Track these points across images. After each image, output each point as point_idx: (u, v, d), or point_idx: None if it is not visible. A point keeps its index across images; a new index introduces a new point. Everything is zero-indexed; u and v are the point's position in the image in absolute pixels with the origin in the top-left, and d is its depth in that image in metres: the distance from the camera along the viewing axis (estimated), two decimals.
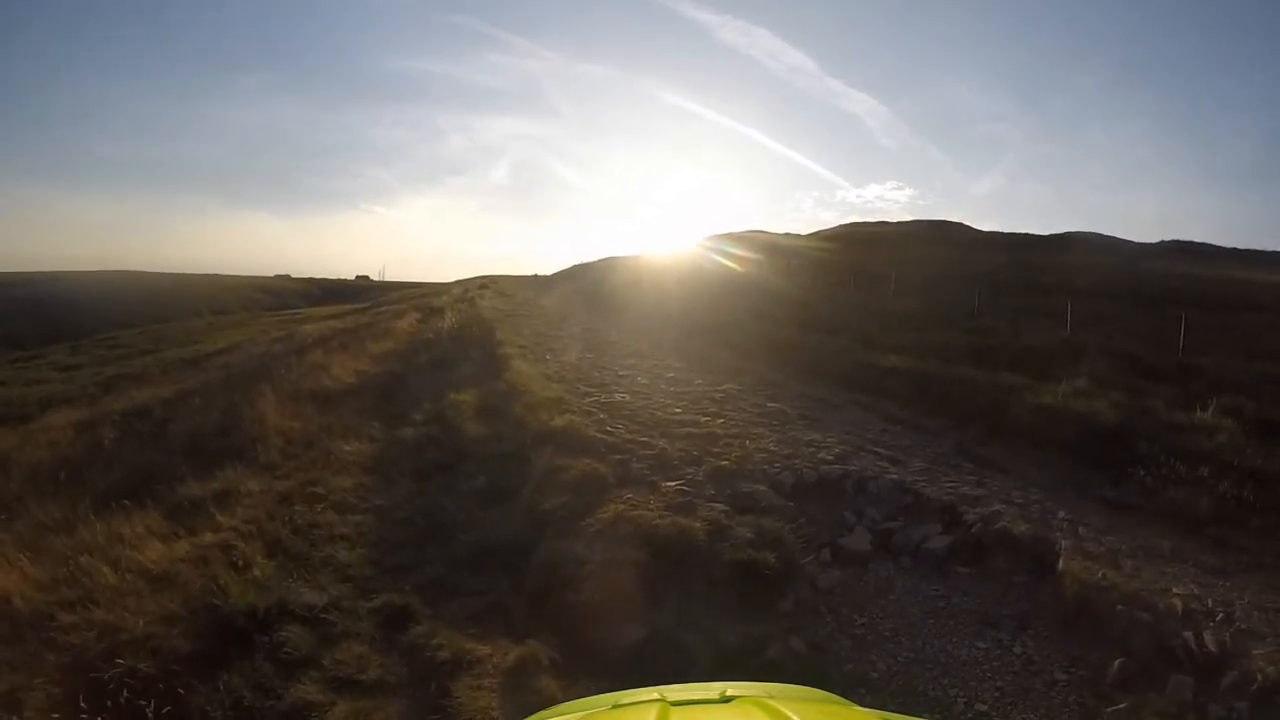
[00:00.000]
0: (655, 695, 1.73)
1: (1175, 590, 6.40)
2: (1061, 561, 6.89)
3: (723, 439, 10.10)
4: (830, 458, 9.49)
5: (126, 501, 8.28)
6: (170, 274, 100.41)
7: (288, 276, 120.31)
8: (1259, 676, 5.18)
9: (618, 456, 9.09)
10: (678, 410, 11.84)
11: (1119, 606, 6.13)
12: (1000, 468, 10.15)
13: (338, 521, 8.13)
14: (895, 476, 8.95)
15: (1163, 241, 64.66)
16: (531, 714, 1.92)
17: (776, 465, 9.04)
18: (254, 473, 9.42)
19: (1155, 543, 7.77)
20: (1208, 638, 5.68)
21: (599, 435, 9.95)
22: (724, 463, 8.99)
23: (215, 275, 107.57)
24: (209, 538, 7.40)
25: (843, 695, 5.26)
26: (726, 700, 1.69)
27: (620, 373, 15.40)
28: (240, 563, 6.80)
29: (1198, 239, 64.16)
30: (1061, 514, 8.22)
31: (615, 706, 1.73)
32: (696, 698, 1.73)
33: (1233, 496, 8.96)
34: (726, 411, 11.92)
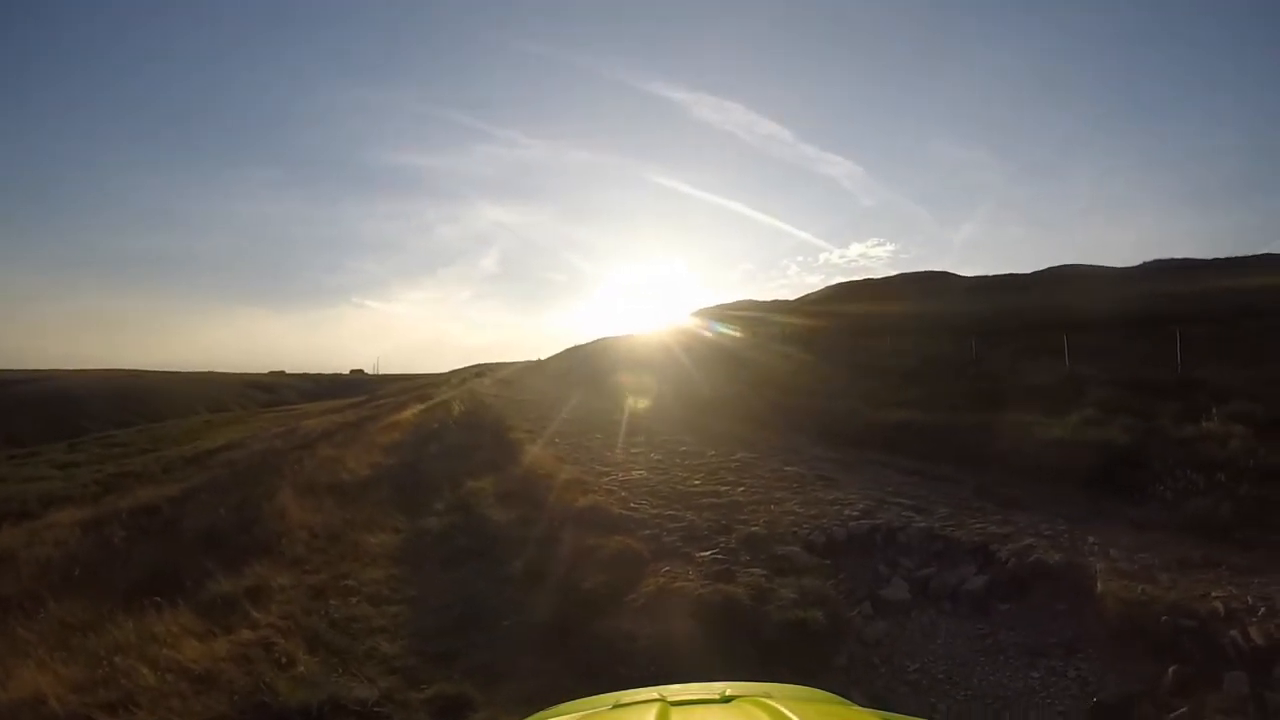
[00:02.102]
0: (655, 695, 1.76)
1: (1214, 594, 6.55)
2: (1099, 584, 6.98)
3: (747, 506, 10.21)
4: (856, 514, 9.59)
5: (156, 599, 8.11)
6: (166, 372, 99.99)
7: (283, 372, 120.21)
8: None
9: (647, 531, 9.18)
10: (697, 482, 11.94)
11: (1163, 617, 6.24)
12: (1023, 505, 10.21)
13: (374, 614, 8.05)
14: (923, 524, 9.05)
15: (1144, 263, 65.16)
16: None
17: (805, 526, 9.15)
18: (282, 568, 9.35)
19: (1186, 553, 7.88)
20: (1254, 633, 5.82)
21: (624, 512, 10.04)
22: (754, 529, 9.08)
23: (211, 373, 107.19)
24: (247, 635, 7.26)
25: None
26: (726, 700, 1.71)
27: (633, 450, 15.53)
28: (283, 660, 6.70)
29: (1178, 255, 64.71)
30: (1091, 539, 8.33)
31: (616, 706, 1.75)
32: (696, 697, 1.75)
33: (1253, 498, 9.11)
34: (745, 480, 12.02)
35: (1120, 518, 9.50)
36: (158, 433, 44.84)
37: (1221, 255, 65.08)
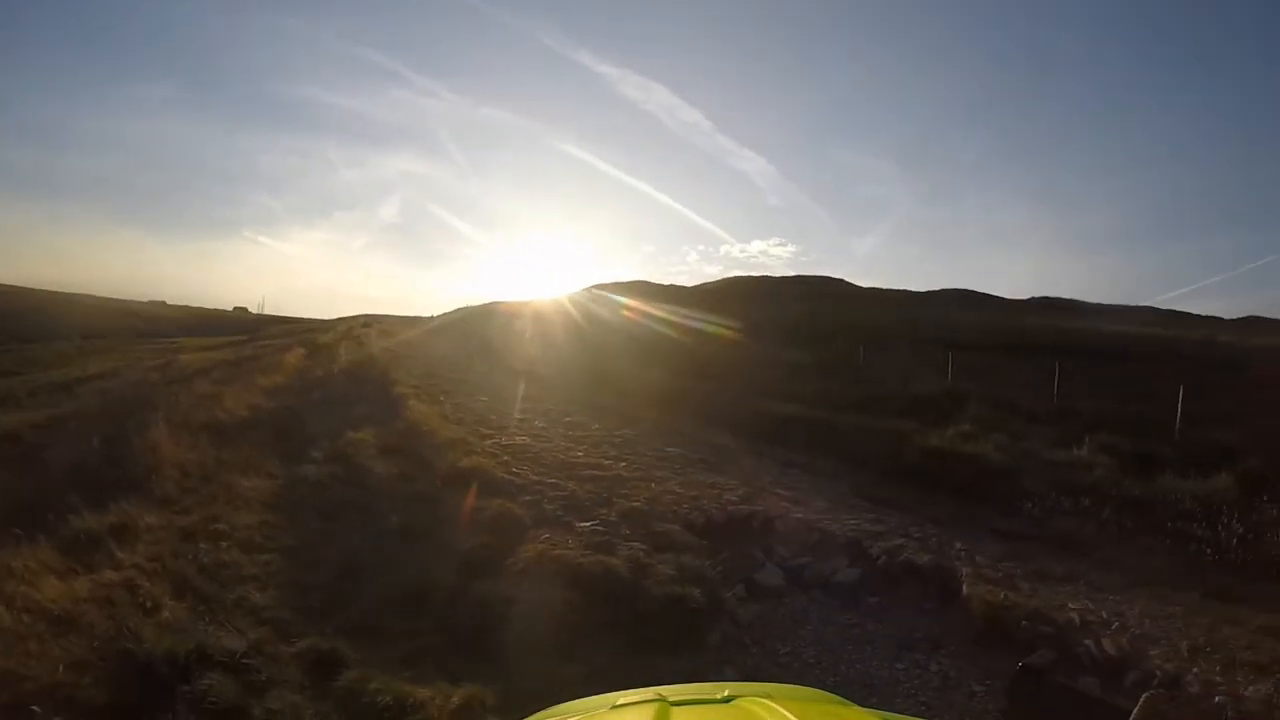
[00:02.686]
0: (654, 695, 1.74)
1: (1072, 606, 6.94)
2: (965, 587, 7.30)
3: (628, 481, 10.27)
4: (735, 499, 9.75)
5: (16, 531, 7.38)
6: (40, 290, 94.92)
7: (163, 303, 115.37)
8: (1158, 673, 5.68)
9: (529, 497, 9.15)
10: (579, 454, 11.96)
11: (1023, 622, 6.63)
12: (897, 506, 10.51)
13: (245, 561, 7.71)
14: (800, 515, 9.25)
15: (1033, 298, 67.58)
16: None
17: (685, 506, 9.26)
18: (151, 506, 8.81)
19: (1048, 566, 8.29)
20: (1107, 644, 6.23)
21: (507, 476, 9.99)
22: (634, 504, 9.15)
23: (87, 296, 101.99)
24: (111, 575, 6.79)
25: None
26: (726, 700, 1.71)
27: (518, 416, 15.46)
28: (148, 604, 6.29)
29: (1064, 295, 67.36)
30: (959, 545, 8.69)
31: (615, 707, 1.73)
32: (696, 698, 1.75)
33: (1115, 522, 9.68)
34: (627, 456, 12.09)
35: (988, 528, 9.86)
36: (27, 354, 42.38)
37: (1103, 301, 67.98)
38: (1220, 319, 61.07)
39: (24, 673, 5.12)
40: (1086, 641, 6.32)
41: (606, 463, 11.41)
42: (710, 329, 31.15)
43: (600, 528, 8.26)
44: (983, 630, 6.74)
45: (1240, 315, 63.20)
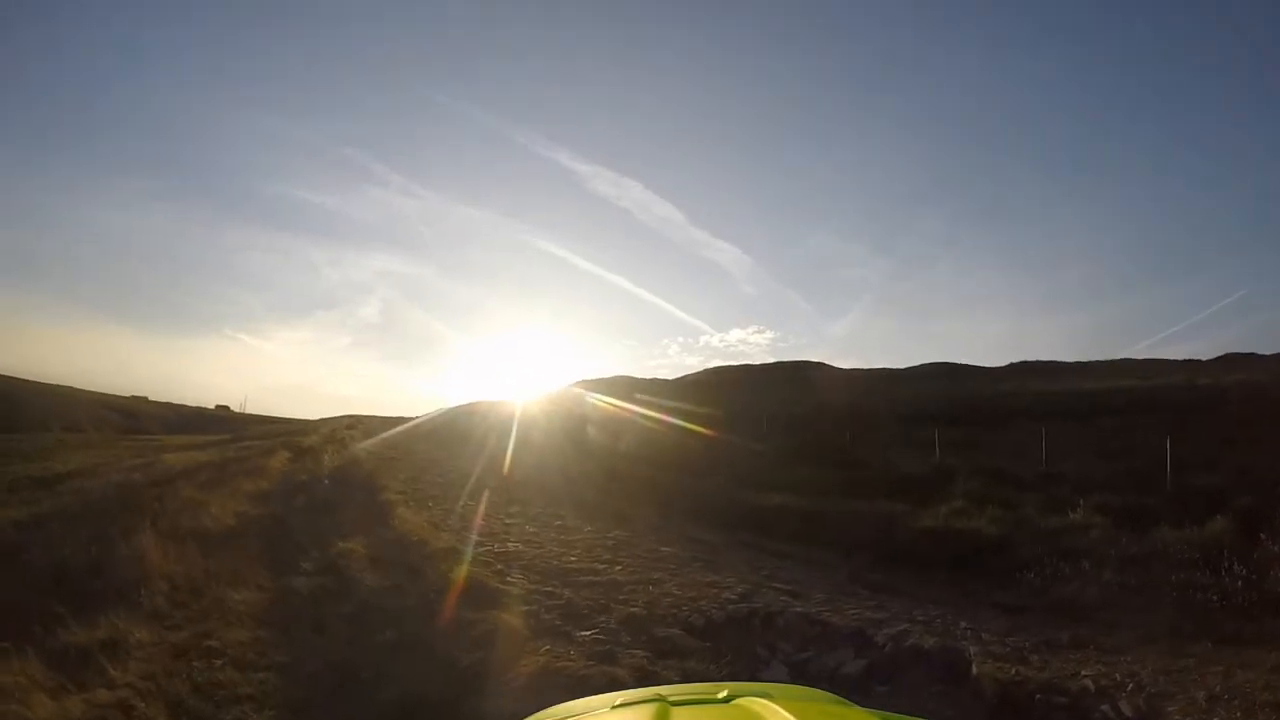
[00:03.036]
0: (654, 695, 1.74)
1: (1084, 672, 6.88)
2: (974, 666, 7.20)
3: (625, 586, 10.15)
4: (734, 597, 9.64)
5: (3, 644, 7.25)
6: (19, 379, 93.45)
7: (145, 399, 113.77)
8: None
9: (525, 608, 8.99)
10: (573, 559, 11.83)
11: (1037, 696, 6.55)
12: (896, 590, 10.45)
13: (240, 680, 7.52)
14: (800, 609, 9.14)
15: (1010, 364, 68.07)
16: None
17: (684, 608, 9.15)
18: (141, 620, 8.63)
19: (1054, 635, 8.24)
20: (1124, 706, 6.17)
21: (501, 586, 9.83)
22: (633, 609, 9.03)
23: (68, 387, 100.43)
24: (104, 695, 6.63)
25: None
26: (726, 700, 1.69)
27: (507, 521, 15.29)
28: None
29: (1043, 357, 67.82)
30: (963, 624, 8.62)
31: (615, 706, 1.74)
32: (696, 697, 1.75)
33: (1116, 583, 9.61)
34: (621, 558, 11.97)
35: (989, 602, 9.81)
36: (6, 445, 41.79)
37: (1079, 358, 68.56)
38: (1199, 360, 61.74)
39: None
40: (1103, 707, 6.26)
41: (601, 566, 11.29)
42: (693, 422, 31.18)
43: (601, 636, 8.14)
44: (996, 708, 6.64)
45: (1217, 354, 64.01)
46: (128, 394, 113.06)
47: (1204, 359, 63.31)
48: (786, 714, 1.40)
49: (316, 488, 20.08)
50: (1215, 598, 8.94)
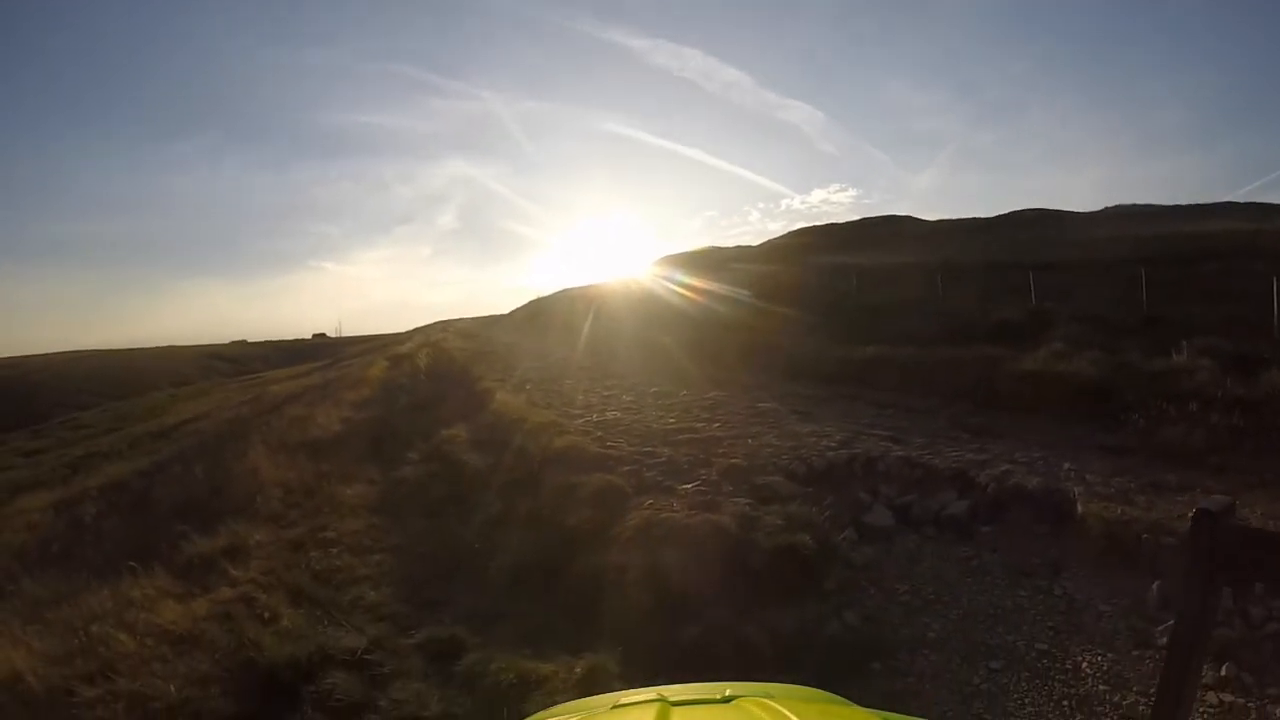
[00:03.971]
0: (655, 695, 1.73)
1: (1191, 515, 6.64)
2: (1079, 506, 7.12)
3: (724, 441, 10.22)
4: (834, 444, 9.63)
5: (131, 565, 7.81)
6: (125, 349, 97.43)
7: (244, 342, 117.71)
8: None
9: (627, 468, 9.12)
10: (672, 421, 11.95)
11: (1144, 536, 6.42)
12: (997, 434, 10.31)
13: (357, 564, 7.95)
14: (901, 453, 9.10)
15: (1106, 208, 65.37)
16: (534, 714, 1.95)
17: (784, 457, 9.17)
18: (259, 525, 9.19)
19: (1161, 477, 8.02)
20: None
21: (602, 451, 9.98)
22: (734, 461, 9.10)
23: (171, 347, 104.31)
24: (227, 593, 7.11)
25: (909, 655, 5.30)
26: (727, 700, 1.70)
27: (604, 394, 15.50)
28: (266, 615, 6.55)
29: (1140, 200, 64.98)
30: (1067, 465, 8.47)
31: (615, 707, 1.73)
32: (696, 698, 1.73)
33: (1224, 426, 9.27)
34: (720, 417, 12.04)
35: (1093, 444, 9.62)
36: (122, 411, 43.56)
37: (1181, 202, 65.43)
38: None
39: (151, 693, 5.31)
40: None
41: (700, 425, 11.38)
42: (781, 285, 30.75)
43: (703, 488, 8.22)
44: (1103, 549, 6.56)
45: None
46: (228, 341, 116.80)
47: None
48: (787, 714, 1.39)
49: (416, 387, 20.59)
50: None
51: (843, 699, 1.96)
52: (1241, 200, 65.63)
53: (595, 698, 2.00)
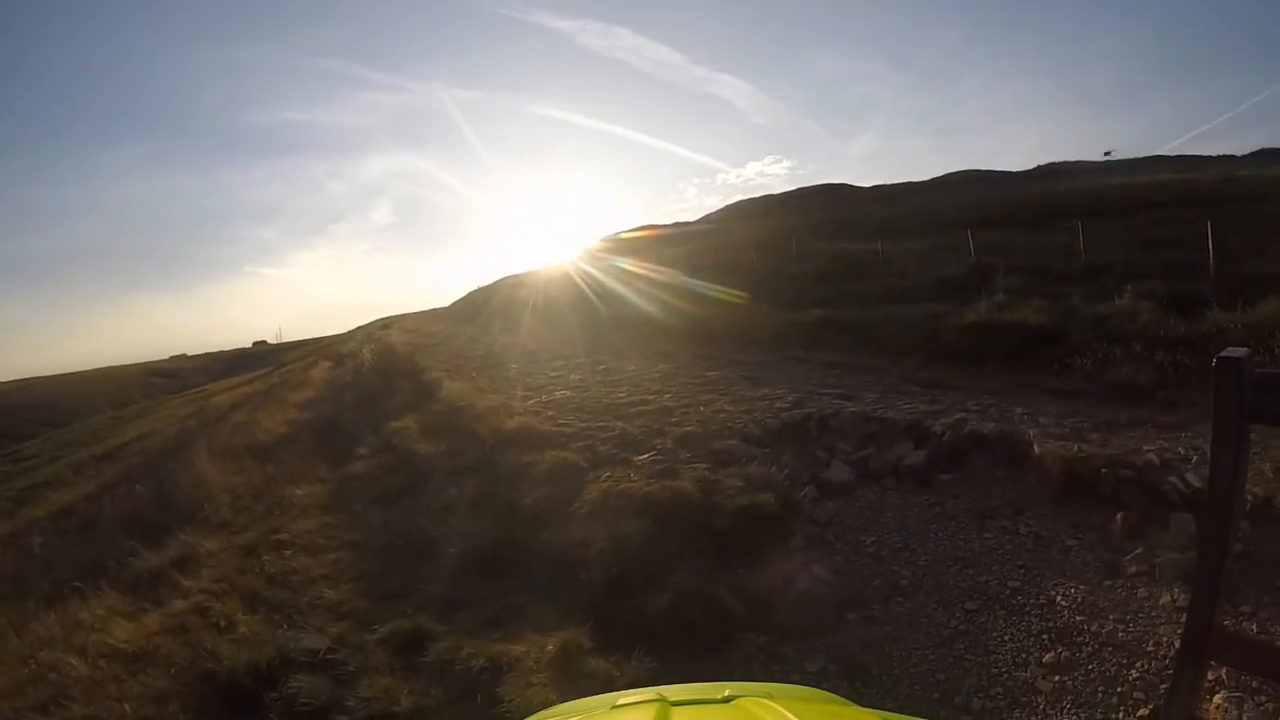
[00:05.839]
0: (654, 695, 1.72)
1: (1146, 448, 6.85)
2: (1036, 447, 7.20)
3: (676, 410, 10.21)
4: (787, 405, 9.68)
5: (78, 585, 7.59)
6: (62, 374, 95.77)
7: (184, 355, 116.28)
8: (1249, 498, 5.46)
9: (581, 444, 9.05)
10: (621, 395, 11.92)
11: (1102, 470, 6.52)
12: (948, 386, 10.42)
13: (312, 564, 7.70)
14: (854, 410, 9.14)
15: (1040, 166, 66.53)
16: (532, 713, 1.90)
17: (739, 421, 9.20)
18: (209, 533, 8.91)
19: (1113, 415, 8.19)
20: (1190, 478, 6.15)
21: (554, 429, 9.91)
22: (688, 429, 9.09)
23: (109, 368, 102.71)
24: (179, 604, 6.83)
25: (882, 604, 5.29)
26: (727, 700, 1.69)
27: (551, 374, 15.45)
28: (222, 623, 6.30)
29: (1073, 159, 66.15)
30: (1019, 410, 8.60)
31: (615, 707, 1.71)
32: (696, 698, 1.73)
33: (1170, 363, 9.49)
34: (670, 388, 12.04)
35: (1043, 389, 9.76)
36: (64, 437, 42.60)
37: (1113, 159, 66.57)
38: (1234, 156, 59.99)
39: (106, 716, 5.07)
40: (1170, 479, 6.21)
41: (650, 398, 11.34)
42: (722, 257, 30.84)
43: (659, 457, 8.17)
44: (1063, 486, 6.66)
45: (1253, 150, 62.07)
46: (167, 355, 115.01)
47: (1240, 155, 61.44)
48: (787, 714, 1.38)
49: (361, 383, 20.28)
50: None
51: (843, 699, 1.95)
52: (1170, 154, 67.08)
53: (594, 698, 1.97)
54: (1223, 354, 2.89)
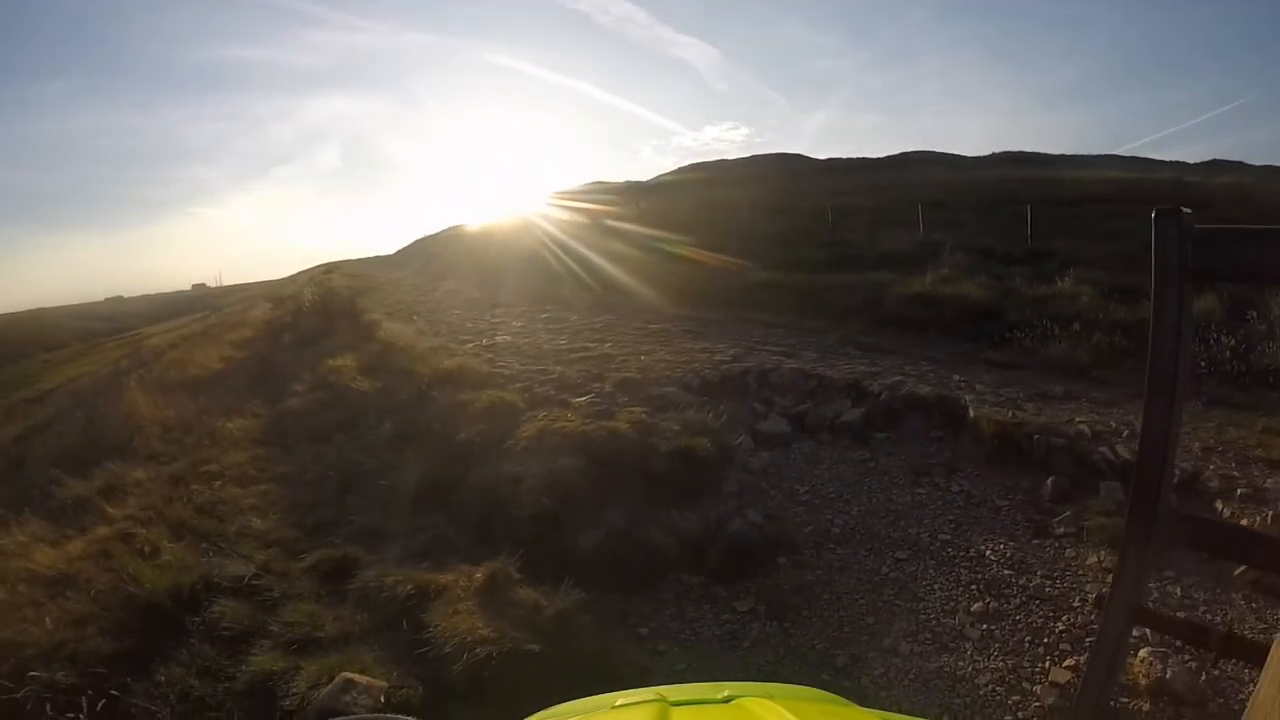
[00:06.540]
0: (654, 695, 1.67)
1: (1079, 419, 7.07)
2: (971, 411, 7.32)
3: (617, 358, 10.20)
4: (727, 359, 9.75)
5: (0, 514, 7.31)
6: None
7: (120, 298, 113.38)
8: (1177, 472, 5.57)
9: (519, 385, 8.98)
10: (563, 342, 11.89)
11: (1035, 436, 6.70)
12: (887, 350, 10.56)
13: (241, 495, 7.55)
14: (794, 366, 9.23)
15: (994, 154, 67.11)
16: (534, 713, 1.87)
17: (678, 371, 9.23)
18: (138, 464, 8.68)
19: (1048, 388, 8.42)
20: (1120, 450, 6.35)
21: (493, 370, 9.86)
22: (628, 374, 9.10)
23: (39, 310, 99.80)
24: (104, 531, 6.65)
25: (814, 550, 5.30)
26: (727, 700, 1.65)
27: (493, 320, 15.40)
28: (147, 549, 6.14)
29: (1028, 149, 66.83)
30: (957, 377, 8.80)
31: (615, 707, 1.65)
32: (696, 698, 1.69)
33: (1106, 345, 9.71)
34: (611, 337, 12.05)
35: (982, 360, 9.94)
36: None
37: (1068, 152, 67.50)
38: (1185, 163, 61.14)
39: (23, 640, 4.91)
40: (1101, 449, 6.42)
41: (591, 345, 11.32)
42: (671, 219, 30.73)
43: (597, 400, 8.16)
44: (995, 449, 6.84)
45: (1204, 160, 63.31)
46: (103, 298, 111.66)
47: (1191, 163, 62.60)
48: (787, 714, 1.33)
49: (300, 324, 19.88)
50: (1204, 364, 9.01)
51: (843, 699, 1.92)
52: (1124, 155, 68.14)
53: (594, 698, 1.87)
54: (1160, 209, 2.87)
